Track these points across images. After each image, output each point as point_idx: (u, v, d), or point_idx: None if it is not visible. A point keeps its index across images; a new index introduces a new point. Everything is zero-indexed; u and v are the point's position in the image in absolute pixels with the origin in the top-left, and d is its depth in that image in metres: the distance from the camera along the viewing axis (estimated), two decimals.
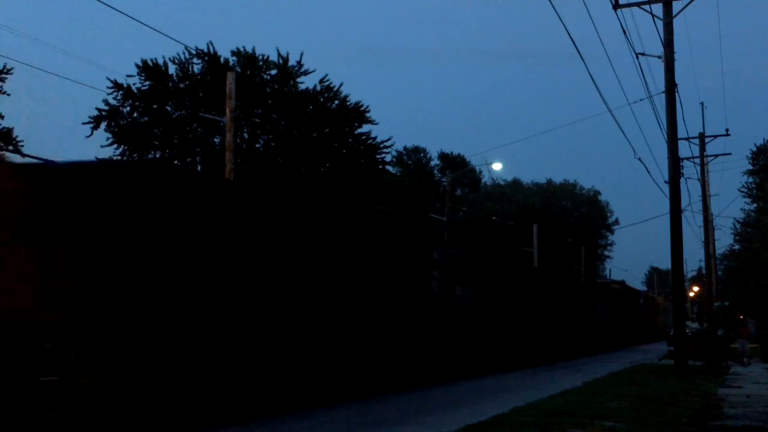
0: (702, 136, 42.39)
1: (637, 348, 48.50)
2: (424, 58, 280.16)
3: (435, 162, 79.08)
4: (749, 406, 15.01)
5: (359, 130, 39.30)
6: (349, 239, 16.04)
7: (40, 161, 12.80)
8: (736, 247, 66.98)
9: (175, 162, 34.42)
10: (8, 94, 33.68)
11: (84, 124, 35.20)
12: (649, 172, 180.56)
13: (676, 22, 24.51)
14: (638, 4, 24.01)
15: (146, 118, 36.54)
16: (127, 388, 10.14)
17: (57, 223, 10.27)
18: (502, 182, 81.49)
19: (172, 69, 36.65)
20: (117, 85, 35.60)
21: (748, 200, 66.54)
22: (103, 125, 35.62)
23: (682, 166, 33.89)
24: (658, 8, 24.24)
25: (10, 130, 33.26)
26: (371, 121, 39.43)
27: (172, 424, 10.68)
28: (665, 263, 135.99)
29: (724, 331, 41.34)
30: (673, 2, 24.24)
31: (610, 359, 32.76)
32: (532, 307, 28.73)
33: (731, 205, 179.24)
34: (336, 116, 37.97)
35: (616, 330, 45.64)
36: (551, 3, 17.07)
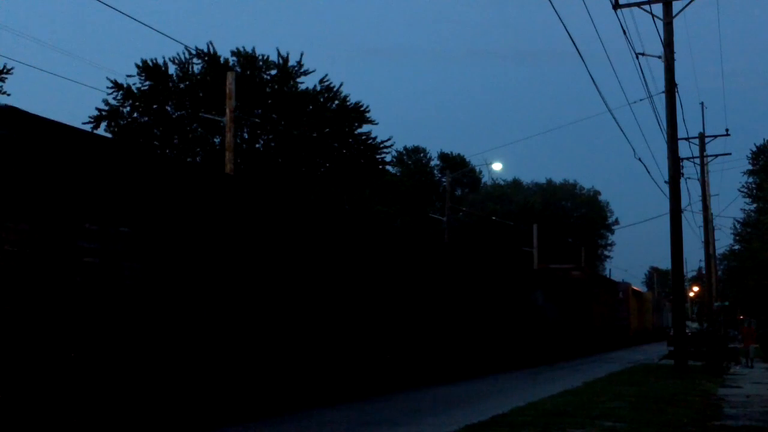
0: (702, 136, 42.43)
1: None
2: (424, 58, 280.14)
3: (435, 162, 79.25)
4: (749, 406, 15.00)
5: (359, 130, 39.33)
6: None
7: None
8: (736, 247, 67.04)
9: None
10: (8, 94, 33.74)
11: (84, 124, 35.19)
12: (649, 172, 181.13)
13: (676, 22, 24.59)
14: (638, 4, 24.03)
15: (146, 118, 36.55)
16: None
17: None
18: (502, 182, 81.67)
19: (172, 69, 36.71)
20: (117, 85, 35.63)
21: (748, 200, 66.59)
22: (103, 125, 35.65)
23: (682, 166, 33.94)
24: (658, 8, 24.27)
25: None
26: (371, 121, 39.48)
27: (171, 425, 10.65)
28: (665, 263, 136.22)
29: (724, 330, 41.27)
30: (673, 2, 24.27)
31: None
32: (353, 294, 15.81)
33: (731, 205, 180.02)
34: (336, 116, 37.98)
35: (572, 331, 34.47)
36: (551, 3, 17.08)
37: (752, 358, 29.77)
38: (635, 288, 59.12)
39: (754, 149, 68.17)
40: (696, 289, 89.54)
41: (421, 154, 78.79)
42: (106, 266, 9.52)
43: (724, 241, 76.61)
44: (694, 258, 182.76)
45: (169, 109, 36.79)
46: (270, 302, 12.91)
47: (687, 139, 40.88)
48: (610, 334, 43.77)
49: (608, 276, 75.24)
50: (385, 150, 40.49)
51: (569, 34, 18.64)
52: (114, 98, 35.79)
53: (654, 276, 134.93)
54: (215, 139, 36.24)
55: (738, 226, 66.25)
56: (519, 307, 27.36)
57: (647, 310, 60.56)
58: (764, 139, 68.43)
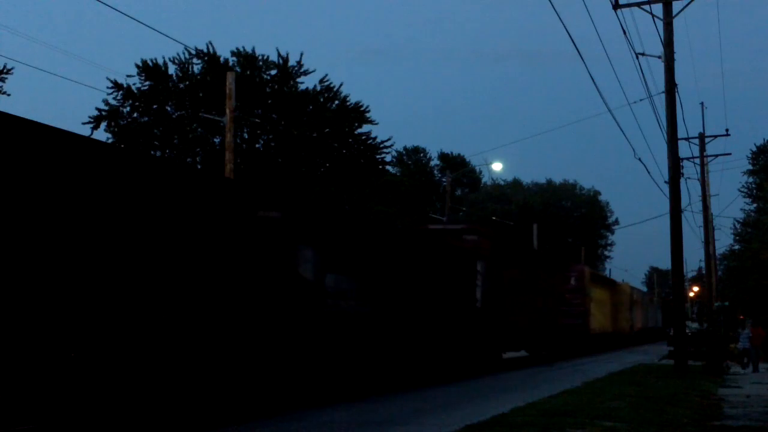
0: (702, 136, 42.41)
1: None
2: (424, 58, 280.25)
3: (435, 162, 79.27)
4: (749, 406, 15.01)
5: (359, 130, 39.35)
6: None
7: None
8: (736, 247, 66.98)
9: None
10: (8, 94, 33.72)
11: (84, 124, 35.25)
12: (649, 172, 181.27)
13: (676, 22, 24.55)
14: (638, 4, 24.02)
15: (146, 118, 36.57)
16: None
17: None
18: (502, 182, 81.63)
19: (172, 69, 36.74)
20: (117, 85, 35.65)
21: (748, 200, 66.62)
22: (103, 125, 35.66)
23: (682, 166, 33.90)
24: (658, 8, 24.26)
25: None
26: (371, 121, 39.51)
27: (172, 425, 10.67)
28: (665, 263, 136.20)
29: (724, 331, 41.16)
30: (673, 2, 24.25)
31: None
32: None
33: (731, 205, 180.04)
34: (336, 116, 37.99)
35: (449, 333, 20.53)
36: (551, 3, 17.08)
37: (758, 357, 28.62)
38: (598, 273, 46.77)
39: (754, 149, 68.20)
40: (696, 289, 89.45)
41: (421, 154, 78.82)
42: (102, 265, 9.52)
43: (724, 241, 76.56)
44: (694, 258, 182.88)
45: (169, 109, 36.81)
46: (269, 303, 12.89)
47: (687, 139, 40.85)
48: (552, 338, 30.75)
49: (609, 275, 71.23)
50: (385, 150, 40.55)
51: (569, 35, 18.66)
52: (114, 98, 35.85)
53: (654, 276, 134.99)
54: (215, 139, 36.26)
55: (738, 226, 66.25)
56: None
57: (622, 306, 46.63)
58: (764, 139, 68.48)
